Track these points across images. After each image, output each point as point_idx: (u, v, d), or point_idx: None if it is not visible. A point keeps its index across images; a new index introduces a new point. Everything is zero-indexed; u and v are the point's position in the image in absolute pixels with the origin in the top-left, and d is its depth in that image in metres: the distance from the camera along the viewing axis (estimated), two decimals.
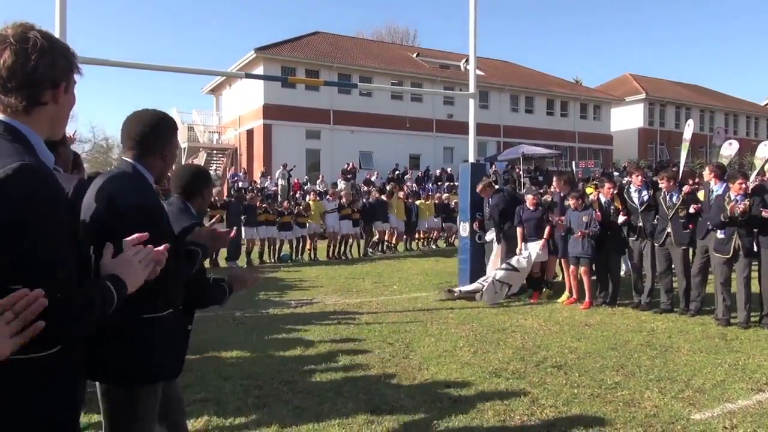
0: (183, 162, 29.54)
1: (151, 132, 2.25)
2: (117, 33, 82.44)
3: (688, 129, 23.12)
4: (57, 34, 6.70)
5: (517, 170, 30.44)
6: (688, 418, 4.00)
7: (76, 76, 1.51)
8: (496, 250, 8.92)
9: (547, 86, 38.71)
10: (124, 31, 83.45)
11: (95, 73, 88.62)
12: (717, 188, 6.85)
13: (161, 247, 1.73)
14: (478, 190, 9.05)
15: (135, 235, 1.68)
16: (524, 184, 27.19)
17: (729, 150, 25.10)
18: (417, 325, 6.94)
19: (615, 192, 7.94)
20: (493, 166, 31.41)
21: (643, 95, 42.03)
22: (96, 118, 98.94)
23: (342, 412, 4.07)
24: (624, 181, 14.77)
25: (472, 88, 9.70)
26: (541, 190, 12.86)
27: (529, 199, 8.51)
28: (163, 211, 2.27)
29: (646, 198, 7.54)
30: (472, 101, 9.80)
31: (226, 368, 5.14)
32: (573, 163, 33.60)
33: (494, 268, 8.61)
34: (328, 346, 5.93)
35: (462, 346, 5.90)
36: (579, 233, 7.74)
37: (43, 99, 1.43)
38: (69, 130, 2.87)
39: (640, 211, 7.54)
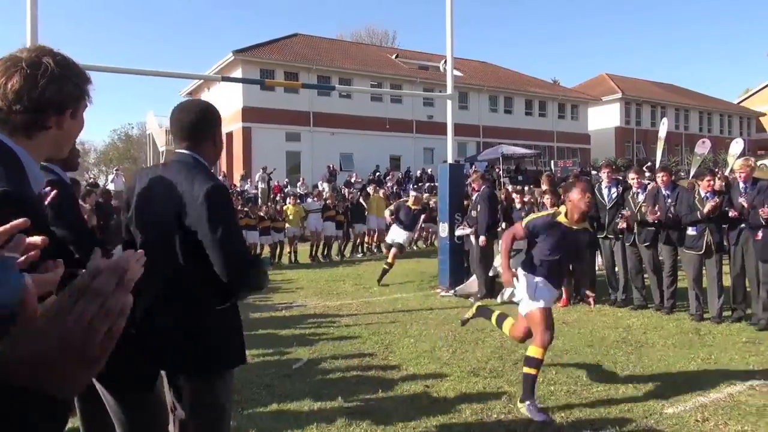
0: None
1: (201, 119, 2.32)
2: (92, 36, 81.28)
3: (663, 128, 23.56)
4: (28, 35, 6.61)
5: (497, 170, 30.67)
6: (661, 412, 4.08)
7: (86, 102, 1.53)
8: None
9: (525, 87, 39.06)
10: (99, 34, 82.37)
11: None
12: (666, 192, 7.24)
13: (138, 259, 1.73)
14: (472, 180, 9.31)
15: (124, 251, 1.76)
16: (504, 183, 27.44)
17: (702, 149, 25.70)
18: (397, 326, 6.96)
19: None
20: (473, 167, 31.64)
21: (620, 95, 42.65)
22: None
23: (321, 415, 4.08)
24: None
25: (449, 90, 9.76)
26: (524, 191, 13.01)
27: (517, 198, 8.65)
28: (229, 196, 2.36)
29: (615, 195, 7.67)
30: (450, 102, 9.87)
31: None
32: (552, 162, 34.01)
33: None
34: (307, 349, 5.92)
35: (441, 347, 5.94)
36: None
37: (47, 124, 1.44)
38: None
39: (608, 208, 7.66)
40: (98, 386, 2.41)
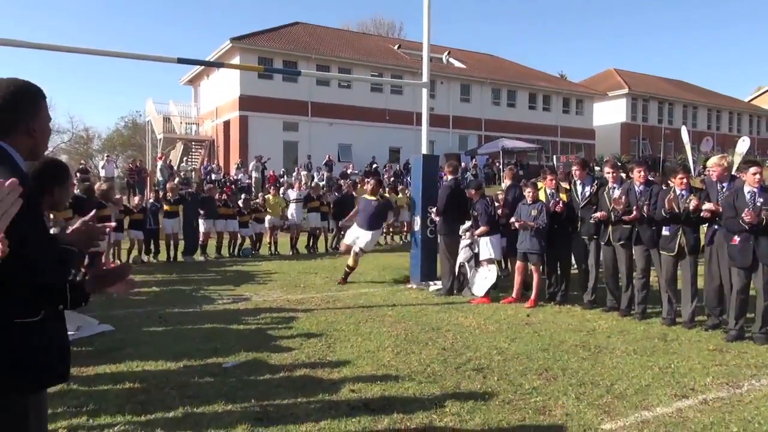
0: (158, 153, 29.00)
1: (8, 104, 1.89)
2: (85, 18, 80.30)
3: (684, 134, 23.00)
4: None
5: (497, 164, 30.20)
6: (597, 427, 3.71)
7: None
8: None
9: (529, 80, 38.44)
10: (105, 20, 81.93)
11: (72, 62, 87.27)
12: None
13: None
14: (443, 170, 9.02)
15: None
16: (503, 178, 26.96)
17: (706, 146, 25.12)
18: (350, 323, 6.61)
19: (564, 185, 7.64)
20: (474, 160, 31.17)
21: (626, 90, 41.91)
22: (74, 109, 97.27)
23: (224, 420, 3.73)
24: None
25: (425, 77, 9.37)
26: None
27: (470, 192, 8.24)
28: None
29: (588, 193, 7.25)
30: (424, 91, 9.49)
31: (123, 370, 4.79)
32: (554, 157, 33.41)
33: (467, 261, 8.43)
34: (244, 346, 5.55)
35: (387, 347, 5.58)
36: (520, 223, 7.46)
37: None
38: None
39: (581, 206, 7.25)
40: None
